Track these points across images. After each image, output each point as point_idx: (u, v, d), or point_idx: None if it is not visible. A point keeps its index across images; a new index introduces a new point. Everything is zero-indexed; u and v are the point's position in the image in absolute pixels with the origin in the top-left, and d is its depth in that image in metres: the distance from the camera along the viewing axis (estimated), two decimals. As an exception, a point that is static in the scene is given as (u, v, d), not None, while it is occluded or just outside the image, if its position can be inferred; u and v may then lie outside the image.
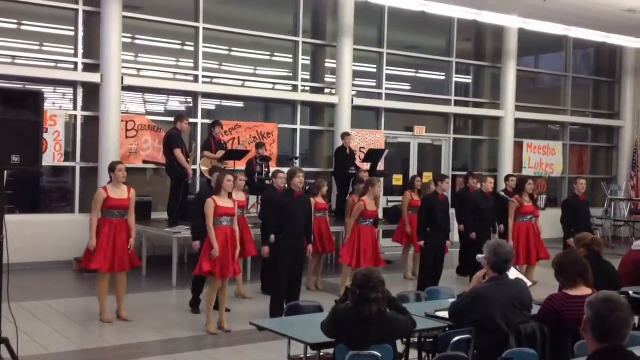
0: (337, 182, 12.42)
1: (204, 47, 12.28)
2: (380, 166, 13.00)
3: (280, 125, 13.12)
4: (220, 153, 11.03)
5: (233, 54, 13.16)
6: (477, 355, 4.72)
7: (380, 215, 11.03)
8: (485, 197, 10.28)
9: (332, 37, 13.75)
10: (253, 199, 11.03)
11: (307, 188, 9.31)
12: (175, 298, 9.24)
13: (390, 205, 13.25)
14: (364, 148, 13.49)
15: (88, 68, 11.30)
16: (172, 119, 11.05)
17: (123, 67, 11.21)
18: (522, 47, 15.68)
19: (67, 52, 11.33)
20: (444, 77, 15.62)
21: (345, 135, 12.43)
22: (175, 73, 12.41)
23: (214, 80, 12.65)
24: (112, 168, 7.64)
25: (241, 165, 11.30)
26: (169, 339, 7.19)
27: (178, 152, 10.37)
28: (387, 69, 14.48)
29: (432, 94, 15.35)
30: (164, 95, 12.47)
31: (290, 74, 13.60)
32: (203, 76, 12.38)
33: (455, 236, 11.19)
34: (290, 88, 13.56)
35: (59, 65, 11.36)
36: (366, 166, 12.44)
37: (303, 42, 13.45)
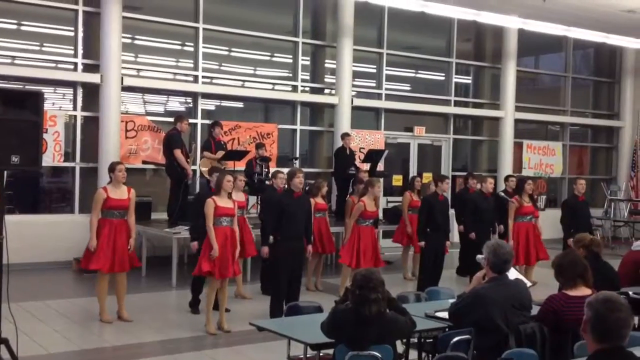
0: (337, 183, 12.42)
1: (203, 47, 12.28)
2: (380, 166, 13.00)
3: (280, 126, 13.12)
4: (220, 153, 11.03)
5: (233, 54, 13.16)
6: (476, 355, 4.72)
7: (380, 215, 11.03)
8: (485, 198, 10.28)
9: (331, 38, 13.75)
10: (253, 199, 11.02)
11: (306, 188, 9.32)
12: (175, 298, 9.23)
13: (390, 205, 13.26)
14: (363, 148, 13.49)
15: (88, 68, 11.30)
16: (171, 120, 11.06)
17: (123, 68, 11.21)
18: (522, 48, 15.68)
19: (67, 52, 11.33)
20: (443, 78, 15.62)
21: (345, 135, 12.43)
22: (175, 73, 12.41)
23: (214, 81, 12.65)
24: (112, 168, 7.63)
25: (241, 165, 11.30)
26: (169, 339, 7.19)
27: (178, 153, 10.37)
28: (386, 70, 14.48)
29: (431, 95, 15.36)
30: (163, 95, 12.47)
31: (290, 75, 13.60)
32: (203, 76, 12.38)
33: (455, 236, 11.20)
34: (290, 88, 13.56)
35: (59, 65, 11.36)
36: (366, 166, 12.44)
37: (303, 43, 13.45)
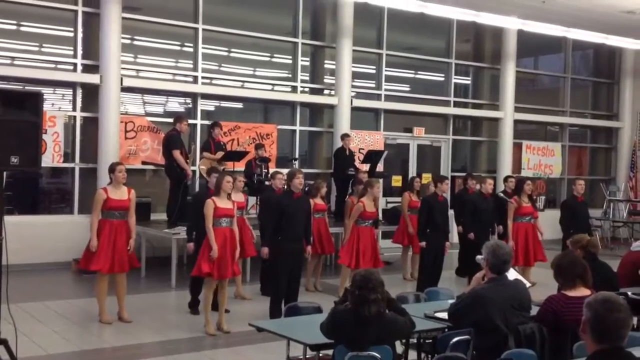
0: (336, 183, 12.43)
1: (203, 48, 12.28)
2: (380, 167, 13.00)
3: (280, 126, 13.12)
4: (220, 154, 11.03)
5: (232, 55, 13.17)
6: (476, 356, 4.72)
7: (380, 216, 11.03)
8: (484, 198, 10.29)
9: (331, 38, 13.75)
10: (252, 200, 11.02)
11: (306, 189, 9.31)
12: (174, 299, 9.23)
13: (389, 206, 13.26)
14: (363, 149, 13.50)
15: (87, 69, 11.30)
16: (171, 120, 11.06)
17: (122, 68, 11.21)
18: (521, 48, 15.69)
19: (66, 53, 11.33)
20: (443, 78, 15.63)
21: (344, 136, 12.43)
22: (174, 74, 12.41)
23: (213, 82, 12.65)
24: (112, 169, 7.62)
25: (240, 166, 11.29)
26: (168, 340, 7.19)
27: (177, 153, 10.37)
28: (386, 70, 14.48)
29: (431, 95, 15.36)
30: (163, 96, 12.47)
31: (290, 75, 13.60)
32: (202, 77, 12.38)
33: (454, 237, 11.20)
34: (289, 89, 13.56)
35: (58, 66, 11.36)
36: (365, 167, 12.44)
37: (302, 43, 13.45)
